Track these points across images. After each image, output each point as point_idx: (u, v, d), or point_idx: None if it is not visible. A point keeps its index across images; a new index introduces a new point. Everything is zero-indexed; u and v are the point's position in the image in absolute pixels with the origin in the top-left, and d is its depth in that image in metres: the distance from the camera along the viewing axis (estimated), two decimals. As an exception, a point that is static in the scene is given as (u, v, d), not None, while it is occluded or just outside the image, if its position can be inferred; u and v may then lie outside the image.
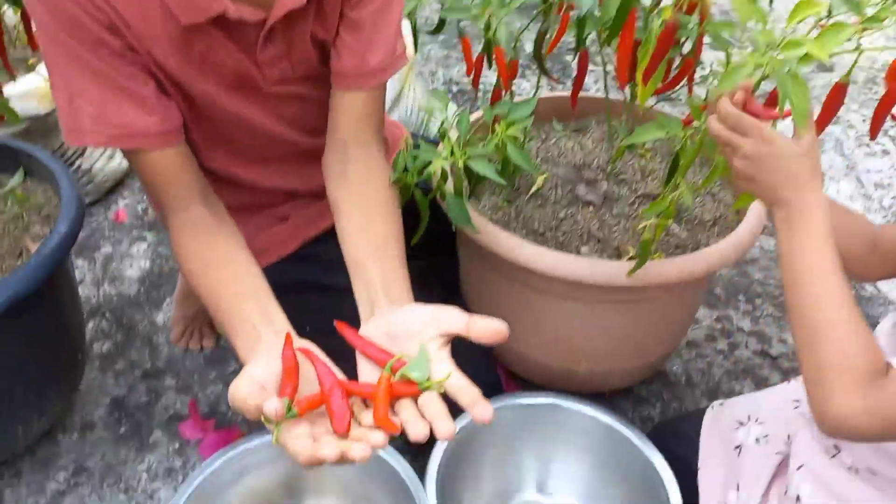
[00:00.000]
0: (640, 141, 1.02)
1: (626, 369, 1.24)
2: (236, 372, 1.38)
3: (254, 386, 0.70)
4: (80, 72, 0.85)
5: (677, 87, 1.21)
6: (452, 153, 0.95)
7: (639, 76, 1.08)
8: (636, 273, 1.03)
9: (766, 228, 1.79)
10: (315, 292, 1.13)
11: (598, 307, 1.13)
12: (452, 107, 1.18)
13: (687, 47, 1.14)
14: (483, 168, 0.93)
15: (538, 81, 1.25)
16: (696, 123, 1.03)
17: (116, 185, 1.84)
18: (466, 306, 1.35)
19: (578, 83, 1.25)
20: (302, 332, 0.90)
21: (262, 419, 0.68)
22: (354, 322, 0.90)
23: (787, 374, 1.41)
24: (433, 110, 1.03)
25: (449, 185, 1.06)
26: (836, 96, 0.87)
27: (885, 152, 2.11)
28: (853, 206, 1.92)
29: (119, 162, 1.82)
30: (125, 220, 1.75)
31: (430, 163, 0.94)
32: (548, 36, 1.18)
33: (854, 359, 0.72)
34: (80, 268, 1.63)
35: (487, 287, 1.24)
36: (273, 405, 0.65)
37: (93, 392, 1.38)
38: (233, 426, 1.30)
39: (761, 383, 1.40)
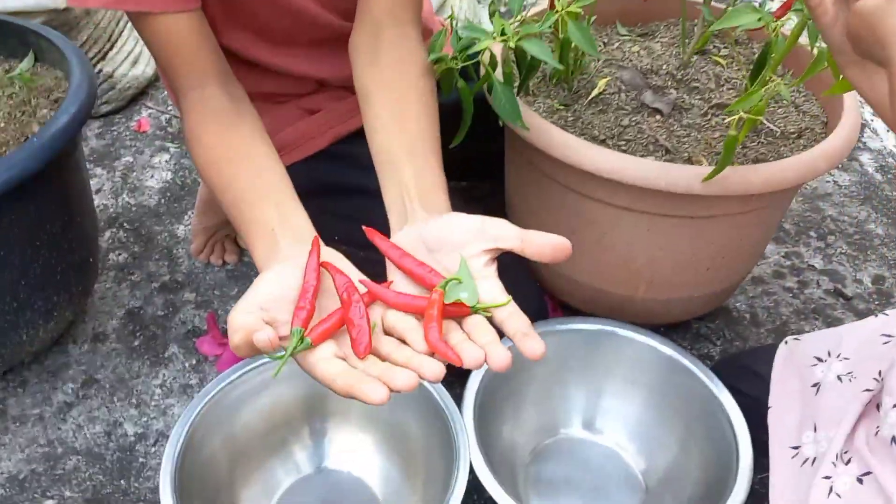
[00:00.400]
0: (731, 26, 0.88)
1: (689, 298, 1.11)
2: None
3: (252, 315, 0.57)
4: None
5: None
6: (503, 32, 0.81)
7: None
8: (715, 180, 0.90)
9: (842, 163, 1.63)
10: (345, 196, 1.03)
11: (665, 222, 0.99)
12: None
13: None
14: (538, 49, 0.79)
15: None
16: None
17: (139, 94, 1.73)
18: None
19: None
20: (329, 242, 0.79)
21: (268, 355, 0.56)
22: (388, 231, 0.79)
23: (862, 317, 1.27)
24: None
25: (498, 74, 0.92)
26: None
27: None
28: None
29: (143, 69, 1.71)
30: (147, 130, 1.65)
31: (475, 43, 0.80)
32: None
33: None
34: (100, 177, 1.53)
35: (537, 200, 1.11)
36: (265, 335, 0.53)
37: (107, 302, 1.29)
38: (253, 342, 1.20)
39: (834, 325, 1.26)
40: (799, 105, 1.14)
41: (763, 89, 0.86)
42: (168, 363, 1.19)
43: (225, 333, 1.22)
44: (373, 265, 1.02)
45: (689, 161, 1.03)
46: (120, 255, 1.37)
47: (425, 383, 0.93)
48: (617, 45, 1.25)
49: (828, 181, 1.57)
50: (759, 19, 0.88)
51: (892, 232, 1.45)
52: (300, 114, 1.06)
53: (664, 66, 1.20)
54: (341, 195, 1.05)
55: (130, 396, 1.15)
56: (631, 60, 1.21)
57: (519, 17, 0.96)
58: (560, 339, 1.02)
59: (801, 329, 1.25)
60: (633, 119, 1.10)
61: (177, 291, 1.30)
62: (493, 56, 0.87)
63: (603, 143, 1.06)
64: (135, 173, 1.54)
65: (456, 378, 1.14)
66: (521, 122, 0.87)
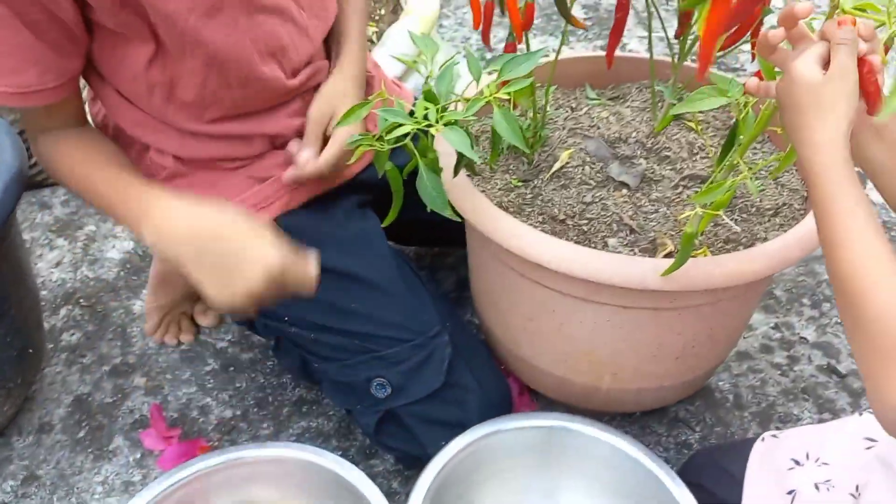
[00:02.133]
0: (694, 110, 0.81)
1: (660, 388, 1.03)
2: (214, 372, 1.25)
3: None
4: None
5: (738, 44, 0.99)
6: (426, 117, 0.74)
7: (699, 26, 0.86)
8: (674, 274, 0.82)
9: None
10: None
11: (626, 314, 0.92)
12: (446, 53, 0.96)
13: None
14: (456, 140, 0.72)
15: (563, 36, 1.03)
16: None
17: (108, 158, 1.68)
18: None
19: (615, 37, 1.03)
20: (282, 322, 1.02)
21: None
22: (334, 315, 0.98)
23: (857, 397, 1.17)
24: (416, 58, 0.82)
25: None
26: None
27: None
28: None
29: (111, 132, 1.67)
30: (114, 196, 1.60)
31: (398, 126, 0.73)
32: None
33: None
34: (61, 248, 1.48)
35: (495, 283, 1.04)
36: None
37: (55, 388, 1.23)
38: (198, 438, 1.13)
39: (825, 407, 1.17)
40: (778, 176, 1.06)
41: (728, 183, 0.78)
42: (112, 457, 1.13)
43: (172, 425, 1.15)
44: (325, 346, 0.97)
45: (654, 243, 0.96)
46: (73, 335, 1.31)
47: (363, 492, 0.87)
48: (585, 110, 1.18)
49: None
50: (728, 98, 0.81)
51: (892, 297, 1.36)
52: (250, 182, 1.00)
53: (634, 134, 1.12)
54: None
55: (71, 495, 1.09)
56: (599, 128, 1.14)
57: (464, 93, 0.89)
58: (514, 436, 0.94)
59: (789, 412, 1.15)
60: (598, 195, 1.03)
61: (127, 375, 1.24)
62: (422, 139, 0.80)
63: (563, 223, 0.98)
64: (96, 243, 1.49)
65: (402, 487, 1.07)
66: (449, 210, 0.80)
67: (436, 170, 0.78)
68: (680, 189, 1.05)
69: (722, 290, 0.86)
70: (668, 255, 0.93)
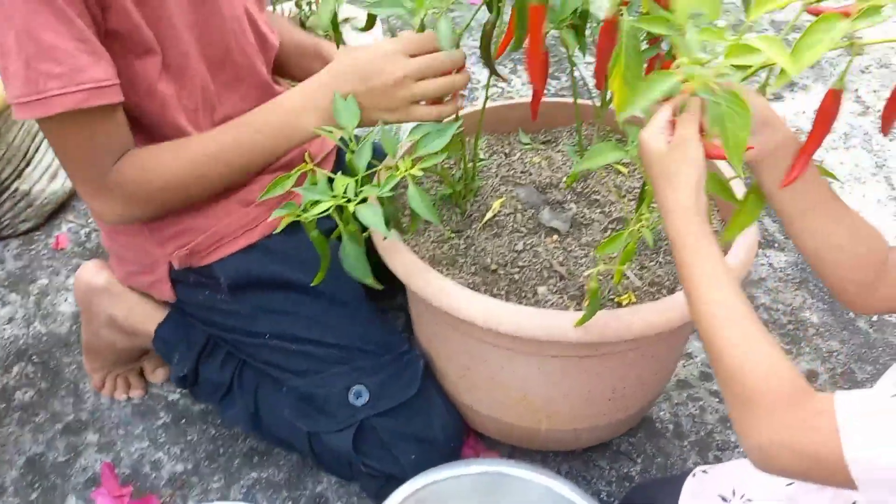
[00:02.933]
0: (593, 166, 0.84)
1: (596, 427, 1.06)
2: (165, 426, 1.26)
3: None
4: (47, 20, 0.77)
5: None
6: (346, 192, 0.77)
7: (613, 83, 0.90)
8: (593, 326, 0.85)
9: (776, 243, 1.59)
10: (278, 290, 1.06)
11: (555, 362, 0.95)
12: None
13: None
14: (370, 218, 0.75)
15: (487, 88, 1.07)
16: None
17: (59, 209, 1.69)
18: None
19: (538, 90, 1.06)
20: (263, 339, 1.05)
21: None
22: (315, 327, 1.04)
23: (794, 419, 1.22)
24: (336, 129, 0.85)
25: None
26: (830, 108, 0.68)
27: (914, 147, 1.89)
28: (879, 212, 1.70)
29: (62, 184, 1.68)
30: (66, 247, 1.61)
31: (318, 202, 0.76)
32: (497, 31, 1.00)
33: (758, 383, 0.61)
34: (13, 303, 1.49)
35: (432, 334, 1.07)
36: None
37: (8, 449, 1.23)
38: (150, 496, 1.15)
39: (764, 430, 1.21)
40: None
41: (627, 232, 0.82)
42: (65, 518, 1.14)
43: (125, 483, 1.17)
44: (306, 358, 1.01)
45: (582, 290, 0.99)
46: (26, 392, 1.32)
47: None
48: (518, 155, 1.21)
49: (762, 263, 1.52)
50: (627, 154, 0.85)
51: (828, 319, 1.40)
52: (237, 206, 1.05)
53: (564, 179, 1.16)
54: (275, 290, 1.06)
55: (24, 558, 1.10)
56: (531, 173, 1.17)
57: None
58: (453, 484, 0.97)
59: (727, 440, 1.19)
60: (529, 242, 1.06)
61: (80, 432, 1.25)
62: (345, 209, 0.82)
63: (494, 272, 1.02)
64: (49, 297, 1.50)
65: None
66: (371, 280, 0.83)
67: (357, 240, 0.81)
68: (609, 232, 1.09)
69: (642, 338, 0.89)
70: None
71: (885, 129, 0.73)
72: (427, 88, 0.86)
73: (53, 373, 1.35)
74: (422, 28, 0.91)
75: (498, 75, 1.04)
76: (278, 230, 0.82)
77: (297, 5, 1.49)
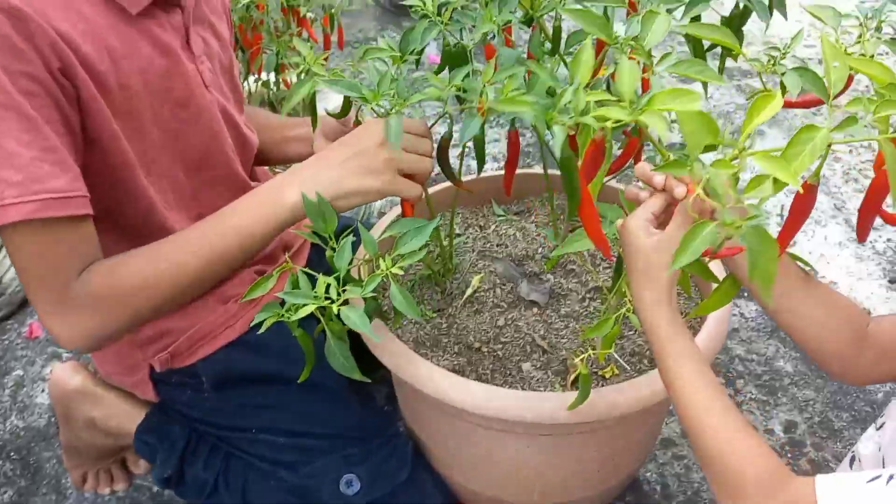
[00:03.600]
0: (573, 250, 0.87)
1: (587, 497, 1.07)
2: None
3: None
4: (10, 127, 0.74)
5: (623, 169, 1.06)
6: (328, 294, 0.78)
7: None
8: (580, 407, 0.87)
9: (745, 292, 1.63)
10: (262, 385, 1.06)
11: (545, 440, 0.96)
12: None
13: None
14: (356, 320, 0.76)
15: (460, 164, 1.09)
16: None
17: (32, 295, 1.67)
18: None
19: (510, 169, 1.09)
20: (249, 433, 1.05)
21: None
22: (303, 419, 1.05)
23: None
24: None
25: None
26: (805, 201, 0.69)
27: (870, 188, 1.96)
28: (841, 254, 1.76)
29: (34, 269, 1.66)
30: (40, 335, 1.59)
31: (302, 306, 0.77)
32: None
33: (739, 471, 0.64)
34: (-12, 397, 1.46)
35: (421, 416, 1.08)
36: None
37: (-11, 554, 1.21)
38: None
39: (750, 485, 1.23)
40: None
41: (613, 317, 0.84)
42: None
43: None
44: (295, 450, 1.00)
45: (565, 364, 1.01)
46: (5, 492, 1.29)
47: None
48: (493, 227, 1.24)
49: (734, 314, 1.56)
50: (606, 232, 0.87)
51: (802, 368, 1.44)
52: (216, 304, 1.05)
53: (539, 250, 1.19)
54: (259, 384, 1.05)
55: None
56: (507, 245, 1.20)
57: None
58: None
59: (714, 499, 1.21)
60: (510, 316, 1.08)
61: (64, 532, 1.23)
62: (328, 310, 0.83)
63: (478, 350, 1.03)
64: (25, 389, 1.47)
65: None
66: (357, 374, 0.84)
67: (342, 338, 0.82)
68: (587, 302, 1.11)
69: (629, 414, 0.91)
70: (577, 379, 0.98)
71: (861, 237, 0.75)
72: (401, 163, 0.86)
73: (33, 469, 1.32)
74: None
75: (456, 181, 1.05)
76: (261, 331, 0.83)
77: (265, 85, 1.51)
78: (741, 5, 0.94)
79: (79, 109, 0.81)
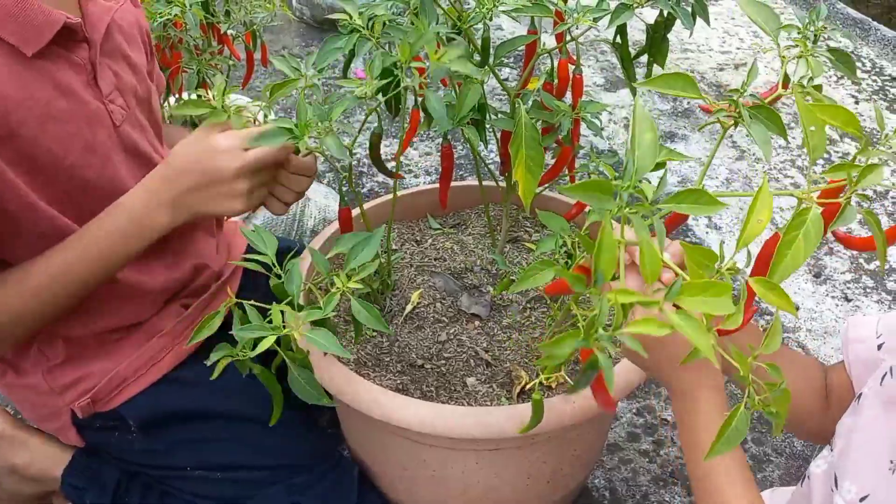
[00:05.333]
0: (528, 286, 0.85)
1: (540, 510, 1.06)
2: None
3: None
4: None
5: (557, 179, 1.07)
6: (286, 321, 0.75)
7: (516, 173, 0.92)
8: (529, 417, 0.86)
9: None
10: (193, 421, 1.02)
11: (493, 454, 0.95)
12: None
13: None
14: (325, 342, 0.74)
15: (395, 184, 1.07)
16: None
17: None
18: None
19: (445, 182, 1.08)
20: (184, 471, 1.01)
21: None
22: (241, 451, 1.02)
23: (721, 469, 1.26)
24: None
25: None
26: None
27: (796, 185, 2.02)
28: (797, 298, 1.80)
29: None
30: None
31: (261, 339, 0.74)
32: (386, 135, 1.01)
33: None
34: None
35: (366, 438, 1.05)
36: None
37: None
38: None
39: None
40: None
41: (571, 340, 0.82)
42: None
43: None
44: (235, 484, 0.96)
45: (510, 377, 1.00)
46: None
47: None
48: (430, 241, 1.23)
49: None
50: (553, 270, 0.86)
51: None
52: (140, 341, 1.00)
53: (478, 262, 1.18)
54: (191, 421, 1.02)
55: None
56: (445, 259, 1.18)
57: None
58: None
59: (661, 500, 1.22)
60: (452, 331, 1.07)
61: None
62: (285, 339, 0.80)
63: (421, 368, 1.01)
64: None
65: None
66: (325, 399, 0.81)
67: (306, 365, 0.79)
68: (528, 312, 1.11)
69: (577, 423, 0.91)
70: (523, 389, 0.98)
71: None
72: (257, 182, 0.85)
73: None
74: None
75: (390, 174, 1.04)
76: (215, 375, 0.78)
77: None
78: (665, 13, 0.96)
79: None
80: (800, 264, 0.50)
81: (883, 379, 0.67)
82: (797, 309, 1.62)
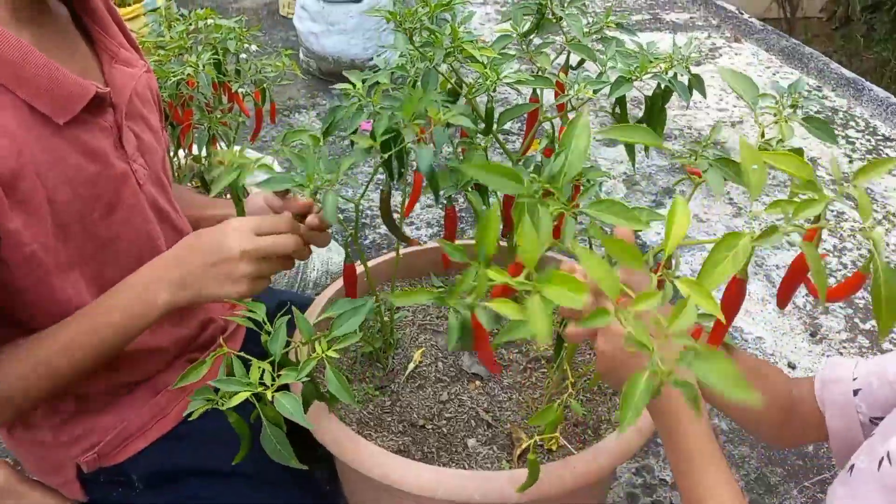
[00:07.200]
0: (514, 338, 0.87)
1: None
2: None
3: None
4: None
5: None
6: (262, 379, 0.77)
7: (518, 237, 0.94)
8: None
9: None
10: (199, 478, 1.01)
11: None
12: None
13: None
14: (290, 407, 0.75)
15: (398, 243, 1.09)
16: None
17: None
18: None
19: (449, 241, 1.10)
20: None
21: None
22: None
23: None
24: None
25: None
26: (735, 296, 0.70)
27: (791, 244, 2.05)
28: (764, 310, 1.83)
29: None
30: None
31: (235, 393, 0.76)
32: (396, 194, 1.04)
33: None
34: None
35: (365, 498, 1.05)
36: None
37: None
38: None
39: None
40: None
41: (556, 406, 0.84)
42: None
43: None
44: None
45: (510, 438, 1.01)
46: None
47: None
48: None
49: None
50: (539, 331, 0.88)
51: (735, 425, 1.47)
52: (146, 396, 1.01)
53: (479, 321, 1.19)
54: (193, 477, 1.02)
55: None
56: (446, 318, 1.20)
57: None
58: None
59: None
60: (453, 390, 1.08)
61: None
62: (263, 395, 0.81)
63: (423, 428, 1.02)
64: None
65: None
66: (294, 461, 0.82)
67: (279, 423, 0.80)
68: (528, 372, 1.12)
69: (577, 488, 0.91)
70: (524, 451, 0.98)
71: (781, 306, 0.79)
72: (262, 270, 0.86)
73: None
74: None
75: (404, 239, 1.07)
76: (193, 418, 0.80)
77: (196, 160, 1.50)
78: (662, 86, 0.99)
79: None
80: (722, 280, 0.55)
81: (881, 464, 0.68)
82: (793, 368, 1.64)
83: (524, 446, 1.00)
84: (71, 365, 0.87)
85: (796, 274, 0.71)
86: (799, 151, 0.70)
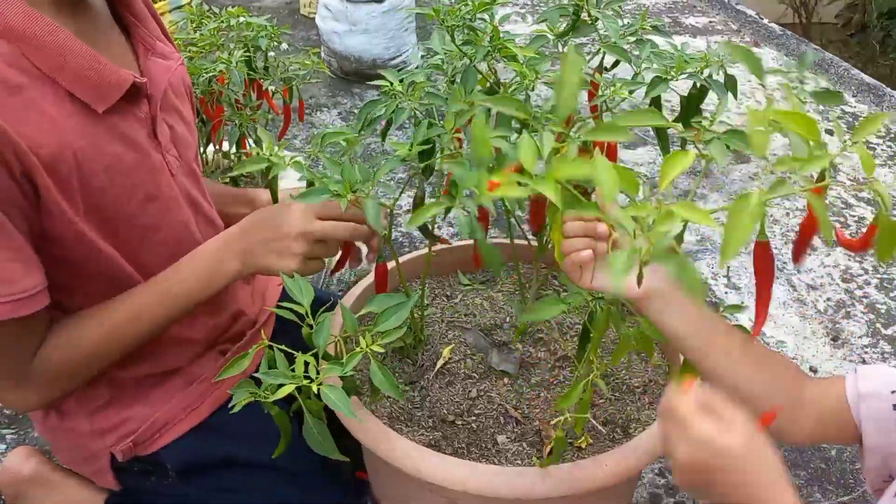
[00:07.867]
0: (539, 319, 0.88)
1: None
2: None
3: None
4: None
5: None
6: (307, 372, 0.78)
7: (553, 235, 0.95)
8: (560, 479, 0.87)
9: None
10: (233, 469, 1.03)
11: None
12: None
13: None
14: (337, 400, 0.76)
15: (430, 243, 1.10)
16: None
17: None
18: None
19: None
20: None
21: None
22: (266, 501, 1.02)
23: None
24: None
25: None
26: (763, 258, 0.74)
27: (813, 248, 2.05)
28: (786, 314, 1.83)
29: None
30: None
31: (281, 386, 0.77)
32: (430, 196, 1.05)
33: None
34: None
35: (397, 491, 1.06)
36: None
37: None
38: None
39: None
40: (642, 352, 1.15)
41: (582, 384, 0.85)
42: None
43: None
44: None
45: (539, 435, 1.02)
46: (-56, 588, 1.21)
47: None
48: (460, 297, 1.25)
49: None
50: (570, 305, 0.89)
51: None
52: (180, 385, 1.03)
53: (507, 319, 1.20)
54: (226, 469, 1.03)
55: None
56: (475, 315, 1.21)
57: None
58: None
59: (685, 563, 1.22)
60: (482, 387, 1.09)
61: None
62: (305, 389, 0.82)
63: (452, 424, 1.03)
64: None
65: None
66: (336, 453, 0.83)
67: (321, 417, 0.81)
68: (556, 370, 1.12)
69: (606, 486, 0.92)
70: (552, 452, 0.99)
71: (796, 259, 0.81)
72: (316, 251, 0.91)
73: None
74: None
75: (436, 240, 1.07)
76: (235, 410, 0.81)
77: (225, 156, 1.51)
78: (698, 85, 1.00)
79: (38, 211, 0.80)
80: (747, 235, 0.57)
81: None
82: (815, 372, 1.64)
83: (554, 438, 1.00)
84: (138, 331, 0.91)
85: (807, 230, 0.74)
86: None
